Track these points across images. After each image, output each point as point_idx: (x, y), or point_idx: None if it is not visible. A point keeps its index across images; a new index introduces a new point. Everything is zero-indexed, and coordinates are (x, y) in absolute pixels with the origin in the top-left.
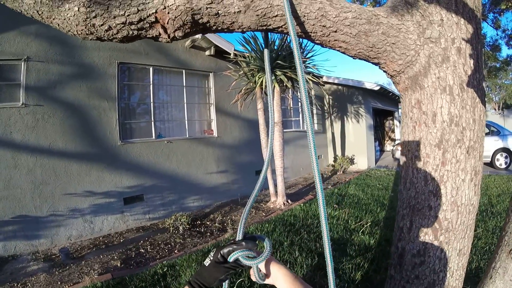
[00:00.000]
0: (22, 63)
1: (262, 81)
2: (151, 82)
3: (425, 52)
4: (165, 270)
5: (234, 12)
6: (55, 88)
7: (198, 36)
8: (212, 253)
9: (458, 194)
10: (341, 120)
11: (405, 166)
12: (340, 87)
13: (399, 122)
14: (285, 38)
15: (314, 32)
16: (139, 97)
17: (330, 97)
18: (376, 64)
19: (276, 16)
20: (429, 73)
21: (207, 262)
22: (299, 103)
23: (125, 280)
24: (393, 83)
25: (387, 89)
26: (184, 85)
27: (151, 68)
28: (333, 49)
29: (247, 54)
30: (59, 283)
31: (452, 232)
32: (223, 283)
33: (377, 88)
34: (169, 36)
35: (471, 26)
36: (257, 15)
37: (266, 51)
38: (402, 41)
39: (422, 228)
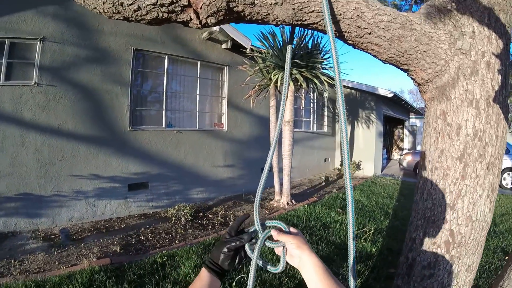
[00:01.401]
0: (38, 43)
1: (277, 79)
2: (165, 71)
3: (455, 63)
4: (164, 259)
5: (271, 4)
6: (69, 69)
7: (216, 28)
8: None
9: (474, 209)
10: (351, 124)
11: (423, 176)
12: (353, 91)
13: (409, 131)
14: (303, 37)
15: (348, 32)
16: (152, 85)
17: None
18: (405, 70)
19: (313, 11)
20: (457, 84)
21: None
22: (311, 104)
23: (124, 266)
24: (420, 91)
25: (400, 97)
26: (198, 76)
27: (166, 57)
28: (365, 51)
29: (264, 50)
30: (57, 263)
31: (464, 247)
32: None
33: (391, 95)
34: (200, 22)
35: (501, 41)
36: (294, 8)
37: (289, 47)
38: (433, 50)
39: (435, 240)
